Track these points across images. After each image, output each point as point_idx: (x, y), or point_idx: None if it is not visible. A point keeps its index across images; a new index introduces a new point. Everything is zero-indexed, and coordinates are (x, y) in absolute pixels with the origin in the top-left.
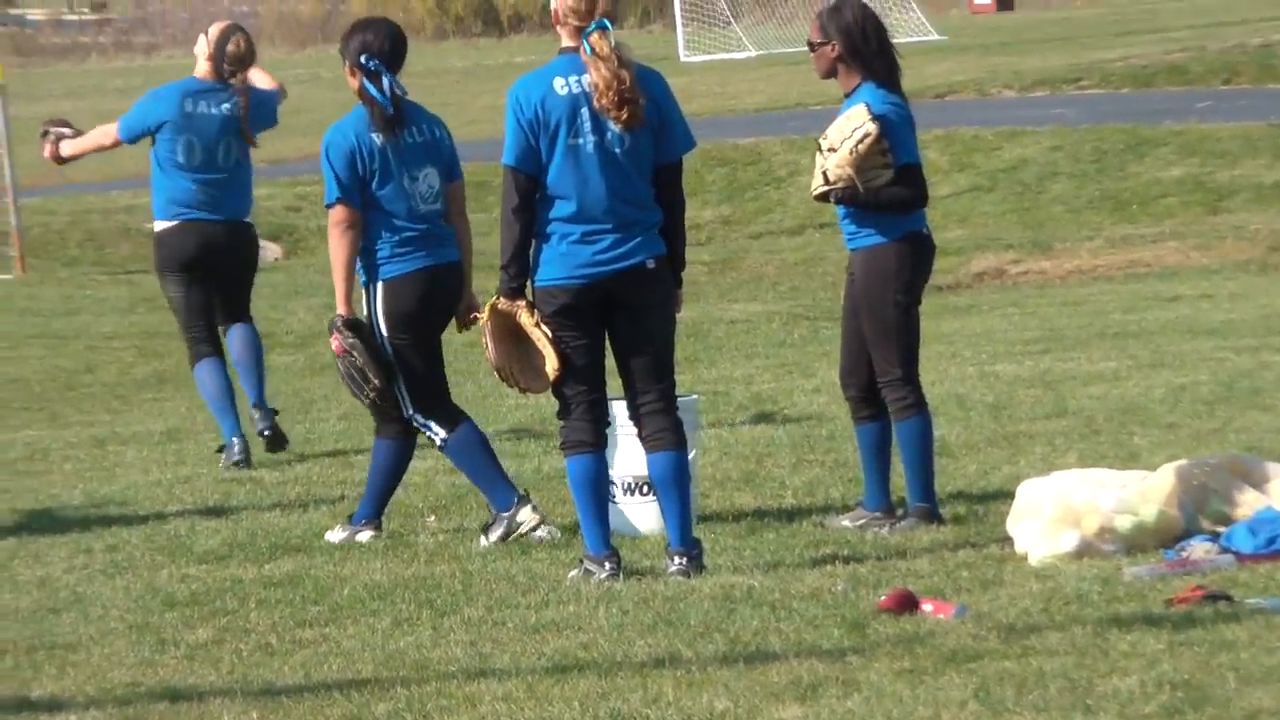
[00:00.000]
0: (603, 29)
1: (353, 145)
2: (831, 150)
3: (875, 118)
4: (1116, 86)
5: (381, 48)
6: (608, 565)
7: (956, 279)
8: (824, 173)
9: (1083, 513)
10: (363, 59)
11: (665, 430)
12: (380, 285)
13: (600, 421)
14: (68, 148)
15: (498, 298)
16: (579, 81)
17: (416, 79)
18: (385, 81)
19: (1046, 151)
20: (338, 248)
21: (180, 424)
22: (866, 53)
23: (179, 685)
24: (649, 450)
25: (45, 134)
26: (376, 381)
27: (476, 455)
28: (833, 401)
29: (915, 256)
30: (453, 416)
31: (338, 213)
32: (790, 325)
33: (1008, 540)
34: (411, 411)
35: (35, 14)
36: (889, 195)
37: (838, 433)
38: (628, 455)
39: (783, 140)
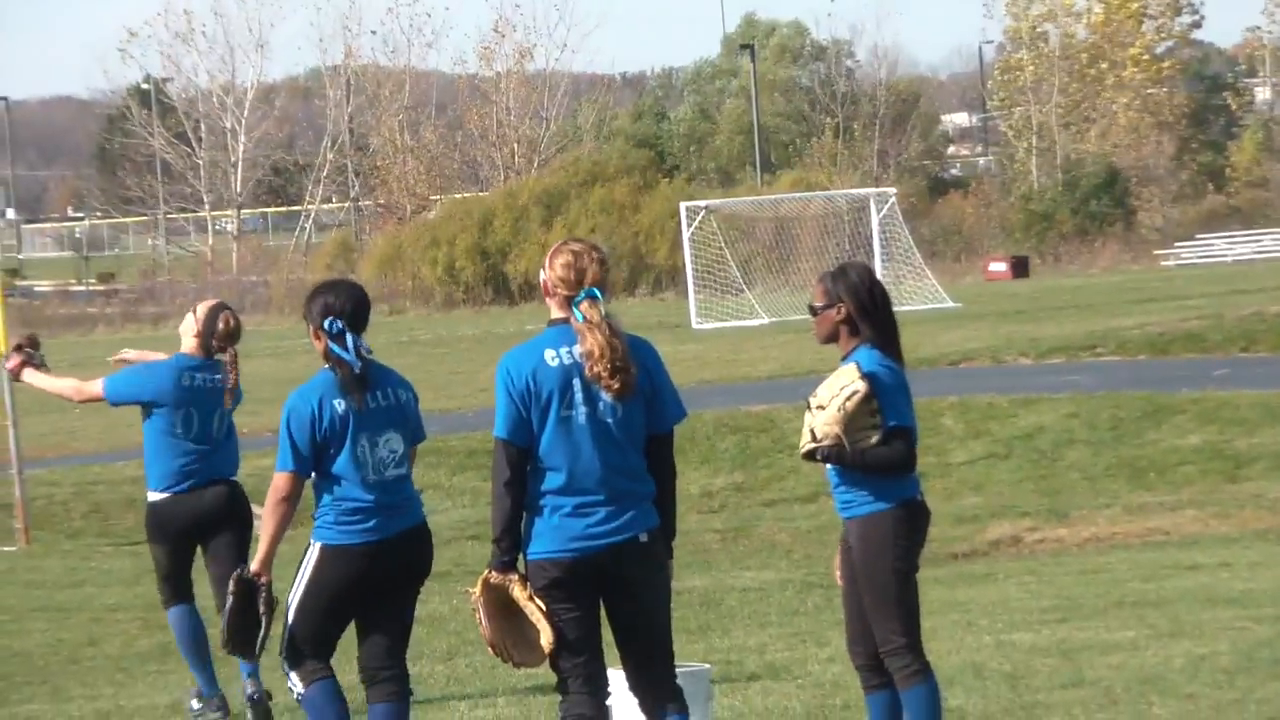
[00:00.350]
0: (592, 298)
1: (313, 412)
2: (820, 408)
3: (865, 376)
4: (1133, 354)
5: (344, 309)
6: None
7: (972, 546)
8: (811, 430)
9: None
10: (325, 322)
11: (672, 701)
12: (316, 547)
13: (600, 693)
14: (33, 377)
15: (489, 572)
16: (570, 352)
17: (426, 347)
18: (349, 341)
19: (1063, 419)
20: (272, 516)
21: (184, 697)
22: (874, 315)
23: None
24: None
25: (18, 347)
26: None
27: (329, 711)
28: (847, 671)
29: (911, 523)
30: (314, 673)
31: (283, 481)
32: (804, 593)
33: None
34: (281, 656)
35: (43, 285)
36: (875, 456)
37: (853, 702)
38: None
39: (795, 407)
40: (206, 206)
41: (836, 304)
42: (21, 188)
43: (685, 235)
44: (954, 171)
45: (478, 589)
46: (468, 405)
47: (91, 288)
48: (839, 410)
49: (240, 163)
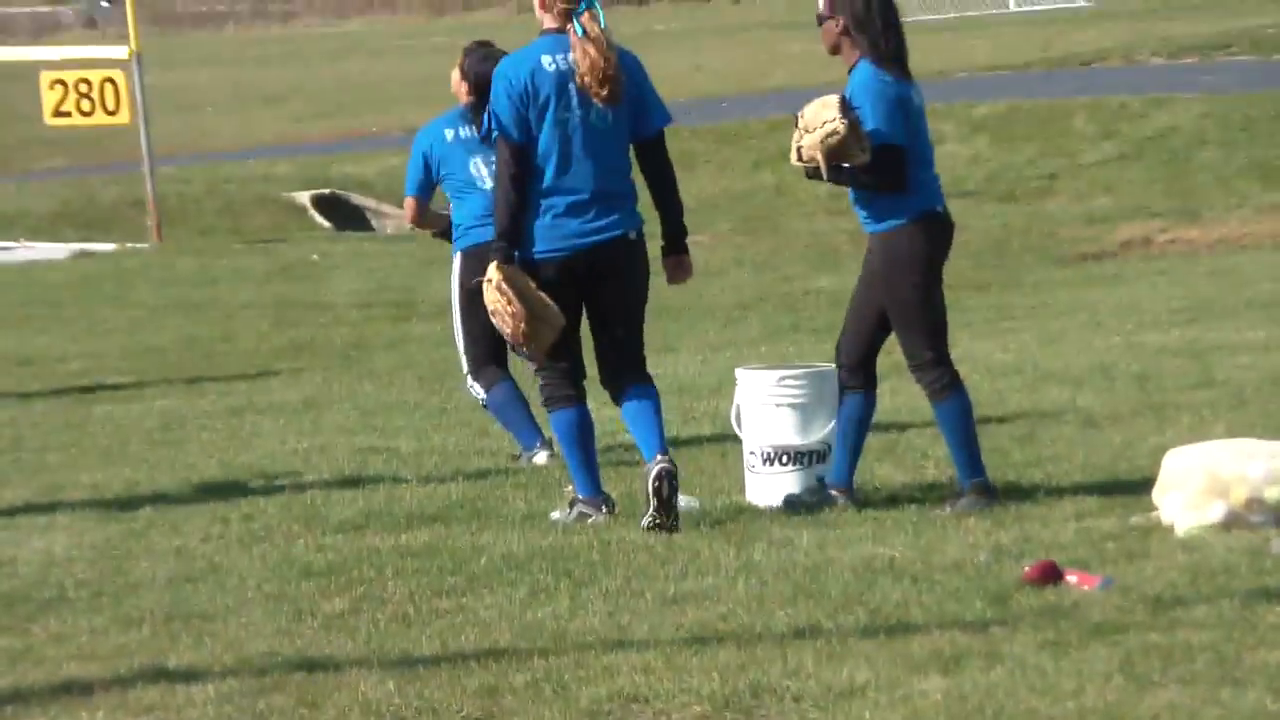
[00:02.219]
0: (591, 9)
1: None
2: (806, 131)
3: (845, 117)
4: (1267, 54)
5: None
6: (604, 508)
7: (1102, 247)
8: (798, 149)
9: (1230, 483)
10: None
11: (640, 380)
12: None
13: (578, 377)
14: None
15: (497, 266)
16: (565, 59)
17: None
18: None
19: (1195, 119)
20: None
21: (316, 393)
22: (868, 27)
23: (315, 655)
24: (624, 401)
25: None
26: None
27: (511, 409)
28: (974, 372)
29: (930, 236)
30: (494, 378)
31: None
32: None
33: (1154, 510)
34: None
35: None
36: (862, 180)
37: (981, 403)
38: (767, 425)
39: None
40: None
41: (834, 15)
42: None
43: None
44: None
45: (493, 284)
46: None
47: None
48: (821, 142)
49: None
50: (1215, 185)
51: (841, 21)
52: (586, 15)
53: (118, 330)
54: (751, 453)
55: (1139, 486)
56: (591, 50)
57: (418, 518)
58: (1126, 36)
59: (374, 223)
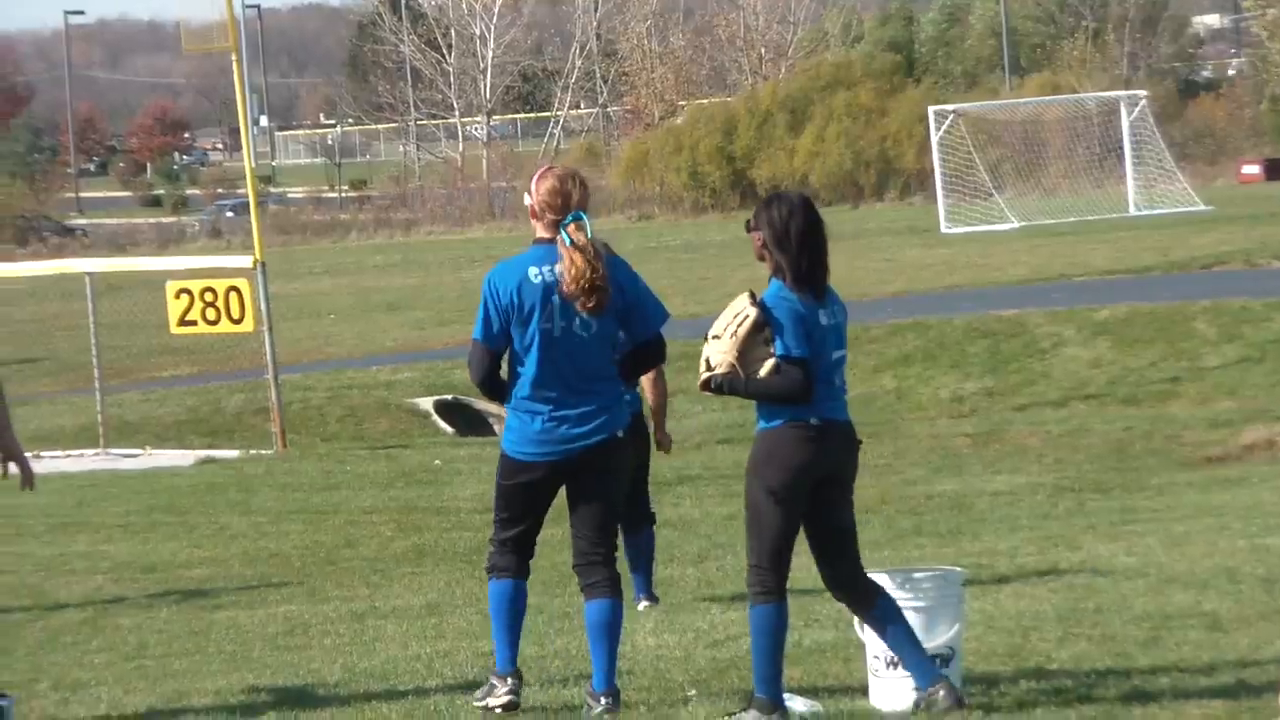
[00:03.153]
0: (579, 220)
1: None
2: (715, 338)
3: (756, 303)
4: None
5: None
6: (509, 681)
7: (1226, 450)
8: (707, 360)
9: None
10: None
11: (608, 580)
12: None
13: (526, 556)
14: None
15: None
16: (552, 270)
17: (674, 253)
18: None
19: None
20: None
21: (439, 598)
22: (784, 247)
23: None
24: (590, 597)
25: None
26: None
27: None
28: (1100, 575)
29: (799, 445)
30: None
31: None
32: (1055, 497)
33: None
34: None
35: (296, 192)
36: (763, 385)
37: (1105, 606)
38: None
39: (1046, 312)
40: (457, 113)
41: (757, 229)
42: (274, 95)
43: (933, 139)
44: (1205, 74)
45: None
46: (716, 310)
47: (344, 195)
48: (732, 337)
49: (489, 69)
50: None
51: (760, 236)
52: (573, 225)
53: (241, 536)
54: (875, 657)
55: (1265, 690)
56: (578, 259)
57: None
58: (1245, 242)
59: (495, 428)
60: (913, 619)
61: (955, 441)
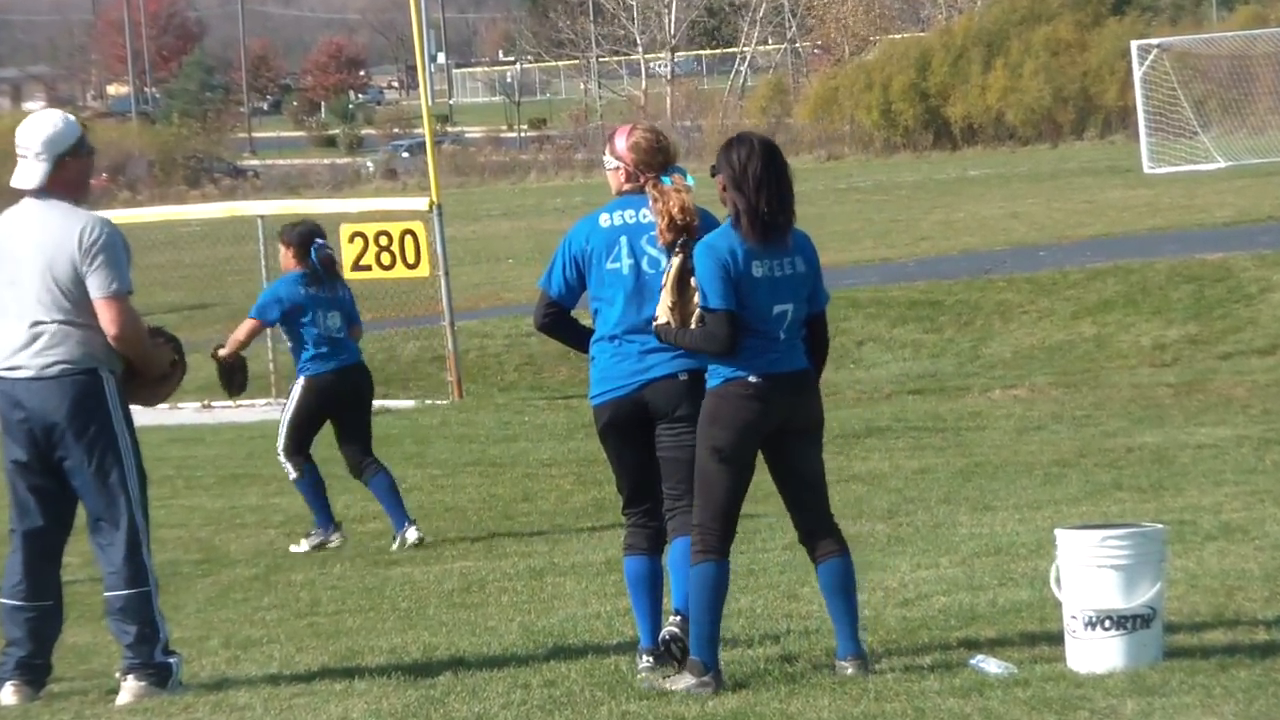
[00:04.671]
0: (681, 173)
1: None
2: (664, 288)
3: (681, 251)
4: None
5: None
6: (648, 659)
7: None
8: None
9: None
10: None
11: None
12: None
13: (659, 529)
14: None
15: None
16: (622, 215)
17: (864, 194)
18: None
19: None
20: None
21: (620, 554)
22: (741, 193)
23: None
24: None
25: None
26: None
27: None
28: None
29: (733, 404)
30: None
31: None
32: (1262, 450)
33: None
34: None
35: (474, 131)
36: (687, 337)
37: None
38: (1089, 587)
39: (1254, 256)
40: (640, 49)
41: (718, 172)
42: (452, 31)
43: (1136, 75)
44: None
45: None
46: (908, 254)
47: (523, 134)
48: (664, 288)
49: (674, 3)
50: None
51: (721, 179)
52: (677, 175)
53: (416, 489)
54: (1073, 616)
55: None
56: (683, 199)
57: (725, 683)
58: None
59: None
60: (1112, 577)
61: (1157, 391)
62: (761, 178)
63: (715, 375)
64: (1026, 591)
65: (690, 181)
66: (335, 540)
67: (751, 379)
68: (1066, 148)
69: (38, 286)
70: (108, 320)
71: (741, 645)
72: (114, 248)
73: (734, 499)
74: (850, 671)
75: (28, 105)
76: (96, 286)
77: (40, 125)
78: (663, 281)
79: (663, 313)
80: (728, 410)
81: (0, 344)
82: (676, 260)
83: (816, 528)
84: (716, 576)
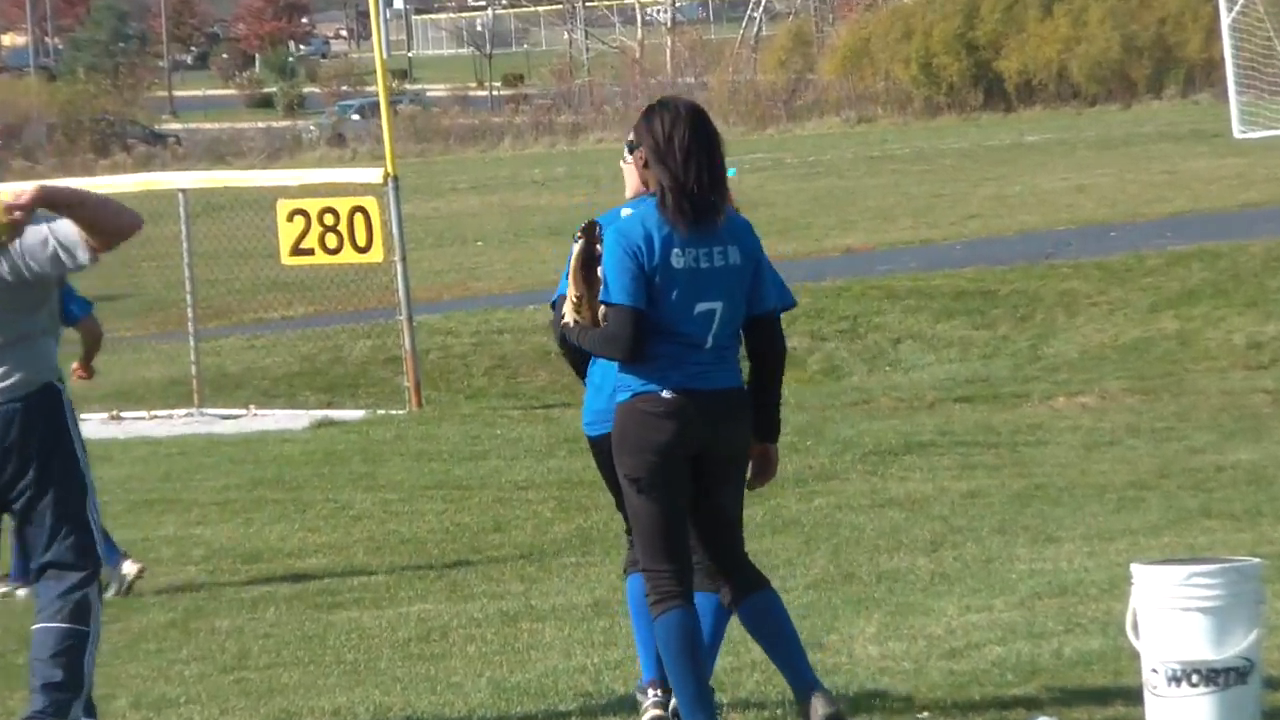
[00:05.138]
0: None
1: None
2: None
3: (586, 234)
4: None
5: None
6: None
7: None
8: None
9: None
10: None
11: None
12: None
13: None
14: None
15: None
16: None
17: (902, 164)
18: None
19: None
20: None
21: (609, 595)
22: (665, 165)
23: None
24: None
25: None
26: None
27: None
28: None
29: (644, 425)
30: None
31: None
32: None
33: None
34: None
35: (437, 89)
36: (588, 337)
37: None
38: (1172, 634)
39: None
40: None
41: (639, 145)
42: None
43: (1224, 23)
44: None
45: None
46: (954, 235)
47: (496, 93)
48: (569, 279)
49: None
50: None
51: (642, 154)
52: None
53: (366, 517)
54: (1153, 670)
55: None
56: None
57: None
58: None
59: None
60: (1200, 622)
61: (1253, 399)
62: (689, 148)
63: (623, 388)
64: (1098, 640)
65: (731, 173)
66: (130, 570)
67: (664, 394)
68: (1141, 108)
69: None
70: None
71: (755, 708)
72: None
73: (670, 529)
74: (822, 709)
75: None
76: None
77: None
78: (567, 270)
79: (568, 310)
80: (635, 432)
81: None
82: (578, 246)
83: (730, 567)
84: (681, 626)
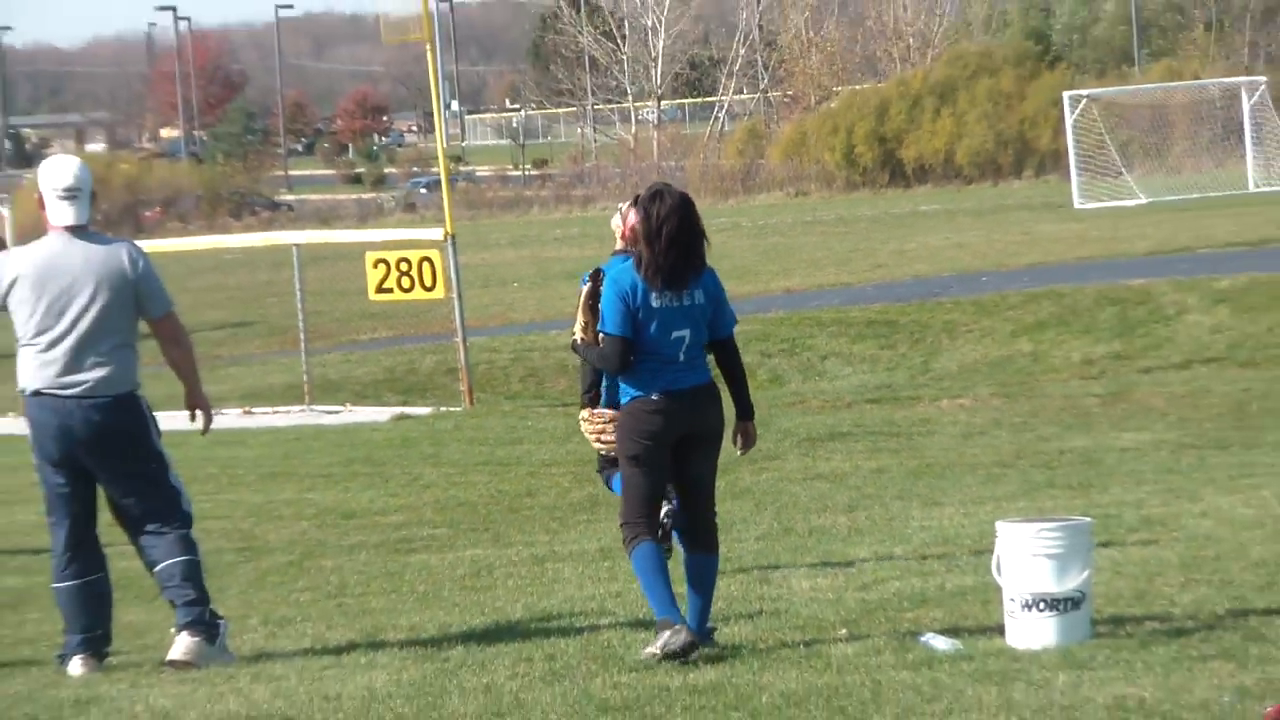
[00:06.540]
0: None
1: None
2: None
3: (593, 278)
4: None
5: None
6: (676, 626)
7: None
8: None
9: None
10: None
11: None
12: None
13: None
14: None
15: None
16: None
17: (828, 226)
18: None
19: None
20: None
21: (611, 543)
22: (651, 247)
23: None
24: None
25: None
26: None
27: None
28: (1220, 525)
29: (641, 419)
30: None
31: None
32: (1178, 453)
33: None
34: None
35: (484, 170)
36: (592, 354)
37: (1224, 554)
38: (1026, 574)
39: (1171, 281)
40: (630, 98)
41: (635, 208)
42: (464, 82)
43: (1068, 122)
44: None
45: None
46: (866, 279)
47: (527, 173)
48: (578, 310)
49: (660, 58)
50: None
51: (636, 224)
52: None
53: (432, 485)
54: (1012, 599)
55: None
56: None
57: (705, 657)
58: None
59: None
60: (1046, 565)
61: (1086, 401)
62: (674, 237)
63: (625, 394)
64: (971, 577)
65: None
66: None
67: (654, 396)
68: (1006, 186)
69: (91, 313)
70: (170, 330)
71: (719, 624)
72: (155, 269)
73: (652, 495)
74: (679, 641)
75: (90, 147)
76: (158, 306)
77: (79, 167)
78: (578, 304)
79: (578, 330)
80: (635, 424)
81: (51, 366)
82: (586, 288)
83: (697, 527)
84: (653, 553)
